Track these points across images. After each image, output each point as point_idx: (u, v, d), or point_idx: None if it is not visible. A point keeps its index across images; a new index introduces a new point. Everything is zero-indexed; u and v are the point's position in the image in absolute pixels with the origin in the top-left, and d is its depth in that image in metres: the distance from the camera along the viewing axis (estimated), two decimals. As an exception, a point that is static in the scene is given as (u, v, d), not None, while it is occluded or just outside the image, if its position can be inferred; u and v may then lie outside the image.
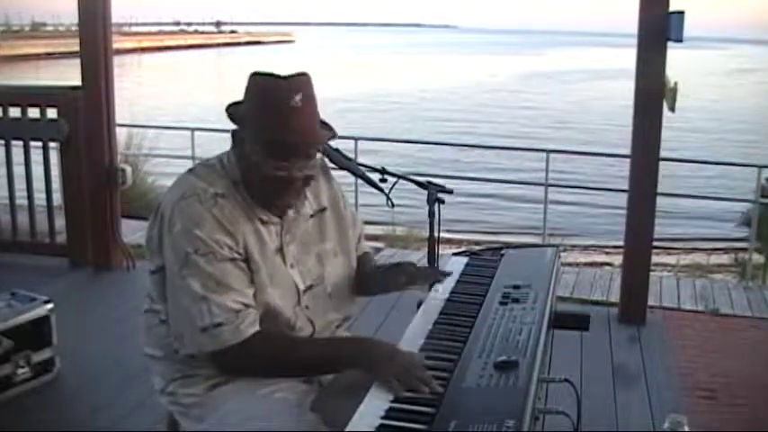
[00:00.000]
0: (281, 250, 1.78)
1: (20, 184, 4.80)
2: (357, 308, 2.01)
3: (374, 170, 2.17)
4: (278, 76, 1.67)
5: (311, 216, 1.87)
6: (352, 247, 1.96)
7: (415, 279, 1.93)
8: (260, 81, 1.69)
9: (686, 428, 1.59)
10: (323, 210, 1.90)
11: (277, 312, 1.74)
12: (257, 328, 1.68)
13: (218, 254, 1.65)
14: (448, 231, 7.60)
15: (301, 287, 1.80)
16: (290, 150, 1.66)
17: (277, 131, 1.64)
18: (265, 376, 1.74)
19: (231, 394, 1.75)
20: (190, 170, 1.80)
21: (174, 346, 1.72)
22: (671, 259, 8.33)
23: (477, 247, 2.52)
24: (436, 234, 2.19)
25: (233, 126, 1.76)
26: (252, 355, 1.68)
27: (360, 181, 2.20)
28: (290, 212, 1.80)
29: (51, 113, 4.64)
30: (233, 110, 1.74)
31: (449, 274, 2.04)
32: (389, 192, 2.17)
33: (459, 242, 7.97)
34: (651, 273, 4.41)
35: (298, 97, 1.63)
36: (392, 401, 1.45)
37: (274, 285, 1.74)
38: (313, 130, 1.69)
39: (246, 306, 1.67)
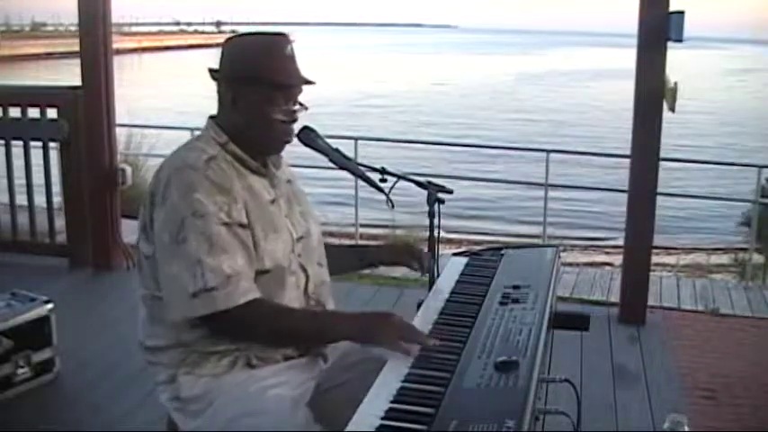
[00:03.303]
0: (275, 201, 1.87)
1: (20, 185, 4.81)
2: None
3: (374, 170, 2.16)
4: (263, 33, 1.88)
5: (287, 182, 1.98)
6: (316, 218, 2.06)
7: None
8: (253, 39, 1.87)
9: (686, 428, 1.59)
10: (289, 181, 2.01)
11: (278, 258, 1.79)
12: (249, 297, 1.70)
13: (215, 216, 1.69)
14: (448, 231, 7.60)
15: (295, 236, 1.88)
16: (292, 94, 1.85)
17: (281, 79, 1.81)
18: (262, 343, 1.78)
19: (228, 388, 1.76)
20: (178, 151, 1.84)
21: (167, 315, 1.73)
22: (671, 259, 8.34)
23: (477, 247, 2.51)
24: (436, 234, 2.18)
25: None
26: (246, 323, 1.71)
27: (361, 182, 2.19)
28: (273, 169, 1.90)
29: (51, 113, 4.64)
30: (223, 73, 1.85)
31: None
32: (389, 192, 2.16)
33: (460, 242, 7.98)
34: (651, 273, 4.40)
35: (289, 47, 1.85)
36: (392, 402, 1.44)
37: (276, 231, 1.81)
38: (302, 74, 1.88)
39: (239, 273, 1.69)
